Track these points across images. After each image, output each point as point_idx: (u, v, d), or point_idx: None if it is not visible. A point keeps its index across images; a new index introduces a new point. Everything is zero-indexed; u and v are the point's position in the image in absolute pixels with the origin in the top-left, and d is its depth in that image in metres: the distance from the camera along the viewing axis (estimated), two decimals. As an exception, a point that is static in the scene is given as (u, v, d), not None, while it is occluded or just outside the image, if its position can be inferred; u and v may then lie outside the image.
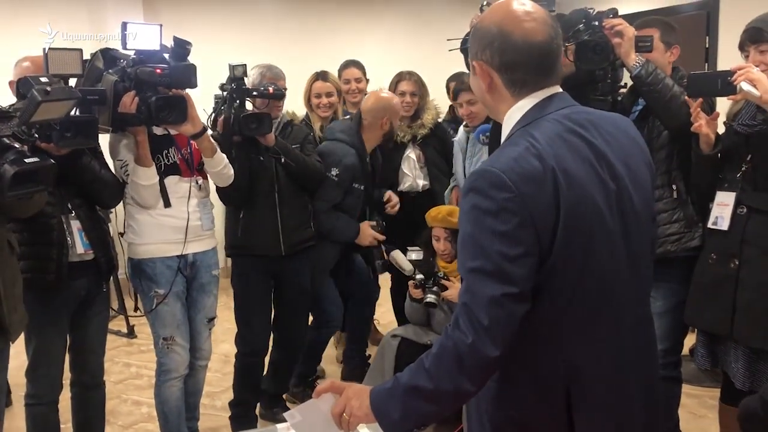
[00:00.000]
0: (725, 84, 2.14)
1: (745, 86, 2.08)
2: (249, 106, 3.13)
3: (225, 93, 3.04)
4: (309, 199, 3.33)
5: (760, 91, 2.07)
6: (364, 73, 4.13)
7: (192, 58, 2.73)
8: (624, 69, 2.49)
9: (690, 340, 4.04)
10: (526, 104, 1.42)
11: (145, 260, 2.80)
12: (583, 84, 2.56)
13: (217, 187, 3.06)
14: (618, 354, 1.43)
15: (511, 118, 1.44)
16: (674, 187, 2.55)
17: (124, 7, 5.58)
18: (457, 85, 3.74)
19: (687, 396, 3.53)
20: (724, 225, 2.32)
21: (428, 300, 3.08)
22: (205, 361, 3.08)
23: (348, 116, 3.76)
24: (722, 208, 2.33)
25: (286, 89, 3.30)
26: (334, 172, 3.35)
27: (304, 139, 3.35)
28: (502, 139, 1.45)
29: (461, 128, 3.75)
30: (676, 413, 2.86)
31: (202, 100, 2.97)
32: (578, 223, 1.33)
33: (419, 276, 3.15)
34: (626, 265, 1.41)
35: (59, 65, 2.40)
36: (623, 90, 2.58)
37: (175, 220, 2.79)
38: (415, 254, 3.24)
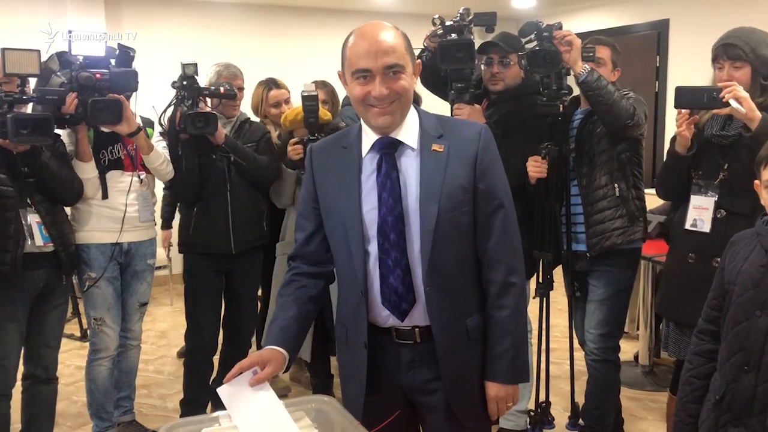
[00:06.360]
0: (710, 98, 2.29)
1: (733, 103, 2.24)
2: (209, 102, 3.21)
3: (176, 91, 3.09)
4: (263, 198, 3.35)
5: (745, 108, 2.23)
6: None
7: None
8: (568, 77, 2.69)
9: (633, 347, 4.18)
10: None
11: (81, 245, 2.96)
12: (533, 92, 2.79)
13: (170, 184, 3.19)
14: None
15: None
16: (616, 186, 2.75)
17: (84, 11, 5.58)
18: None
19: (629, 399, 3.64)
20: (705, 227, 2.46)
21: None
22: (136, 341, 3.26)
23: None
24: (701, 212, 2.47)
25: (242, 88, 3.35)
26: None
27: (261, 137, 3.35)
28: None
29: None
30: (617, 397, 3.01)
31: (166, 99, 3.11)
32: None
33: None
34: None
35: (15, 65, 2.52)
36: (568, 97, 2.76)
37: (111, 210, 2.98)
38: None
